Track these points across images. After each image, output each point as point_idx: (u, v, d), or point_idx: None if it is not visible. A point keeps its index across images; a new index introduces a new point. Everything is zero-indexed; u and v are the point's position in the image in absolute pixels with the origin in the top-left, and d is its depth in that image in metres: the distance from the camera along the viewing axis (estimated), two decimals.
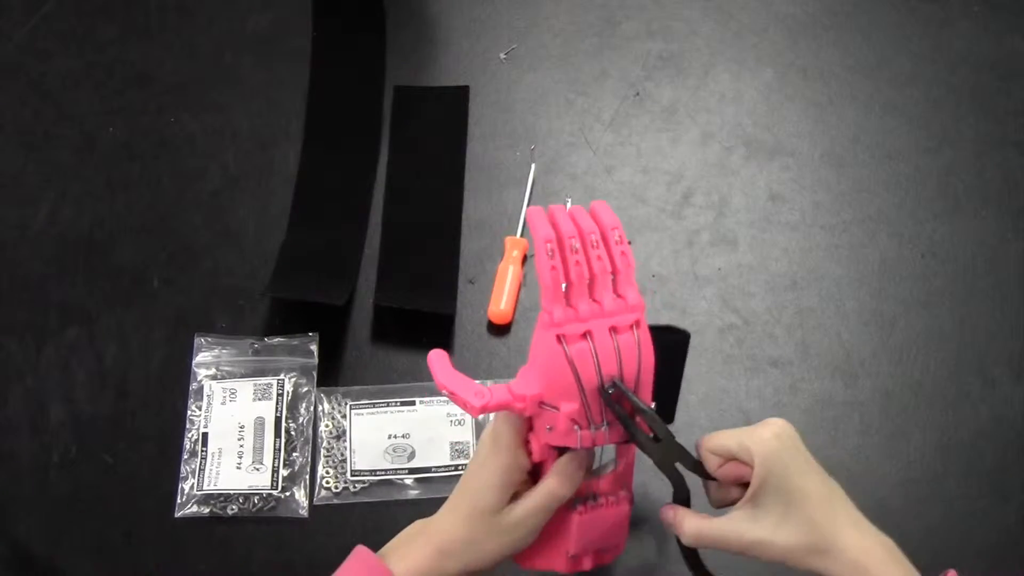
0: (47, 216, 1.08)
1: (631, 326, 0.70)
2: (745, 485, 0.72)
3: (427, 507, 0.85)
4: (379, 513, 0.94)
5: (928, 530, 0.94)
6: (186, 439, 0.97)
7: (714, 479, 0.74)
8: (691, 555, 0.77)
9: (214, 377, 1.00)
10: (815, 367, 1.01)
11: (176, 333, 1.02)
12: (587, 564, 0.78)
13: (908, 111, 1.14)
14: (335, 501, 0.95)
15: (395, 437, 0.97)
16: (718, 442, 0.73)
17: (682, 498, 0.75)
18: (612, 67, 1.17)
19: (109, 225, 1.08)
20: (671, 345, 0.76)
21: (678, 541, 0.76)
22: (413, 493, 0.95)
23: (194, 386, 0.99)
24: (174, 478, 0.95)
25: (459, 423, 0.98)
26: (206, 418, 0.98)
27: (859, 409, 0.99)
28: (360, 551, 0.75)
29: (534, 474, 0.75)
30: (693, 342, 1.01)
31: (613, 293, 0.71)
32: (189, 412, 0.98)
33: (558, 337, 0.69)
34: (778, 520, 0.69)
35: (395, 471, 0.96)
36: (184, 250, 1.07)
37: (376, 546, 0.76)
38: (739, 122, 1.14)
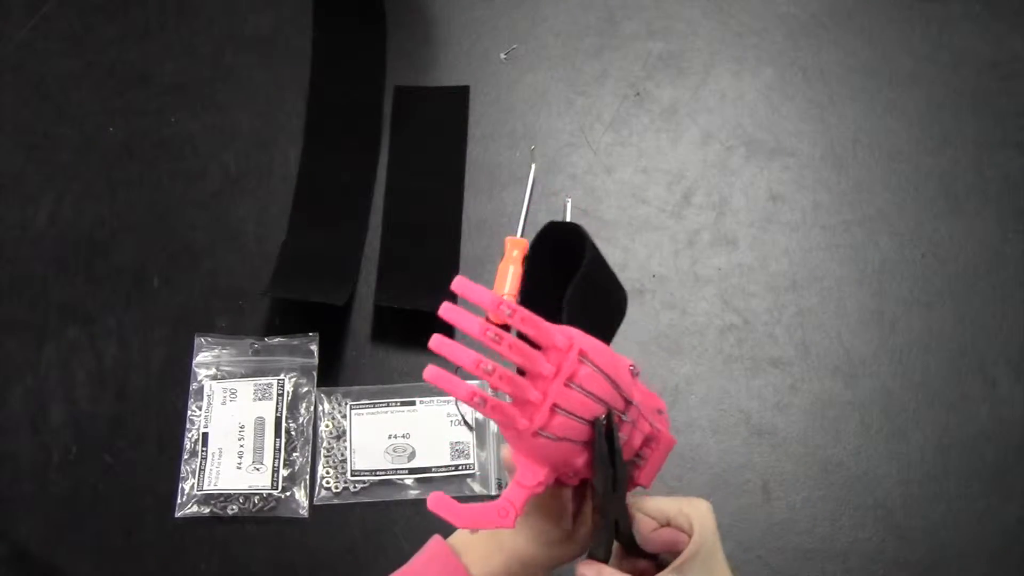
0: (47, 216, 1.08)
1: (579, 361, 0.68)
2: (657, 561, 0.72)
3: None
4: (379, 513, 0.94)
5: (928, 530, 0.94)
6: (186, 439, 0.97)
7: (641, 550, 0.73)
8: None
9: (214, 377, 1.00)
10: (815, 367, 1.01)
11: (176, 333, 1.02)
12: None
13: (908, 111, 1.14)
14: (335, 501, 0.95)
15: (395, 437, 0.97)
16: (656, 506, 0.73)
17: (602, 557, 0.74)
18: (612, 67, 1.17)
19: (109, 225, 1.08)
20: (589, 277, 0.73)
21: None
22: (413, 493, 0.95)
23: (194, 386, 0.99)
24: (174, 478, 0.95)
25: (459, 423, 0.98)
26: (206, 418, 0.98)
27: (859, 409, 0.99)
28: (437, 544, 0.75)
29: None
30: (693, 342, 1.02)
31: (542, 353, 0.68)
32: (189, 412, 0.98)
33: (534, 433, 0.68)
34: None
35: (395, 471, 0.96)
36: (184, 250, 1.07)
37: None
38: (739, 122, 1.13)
